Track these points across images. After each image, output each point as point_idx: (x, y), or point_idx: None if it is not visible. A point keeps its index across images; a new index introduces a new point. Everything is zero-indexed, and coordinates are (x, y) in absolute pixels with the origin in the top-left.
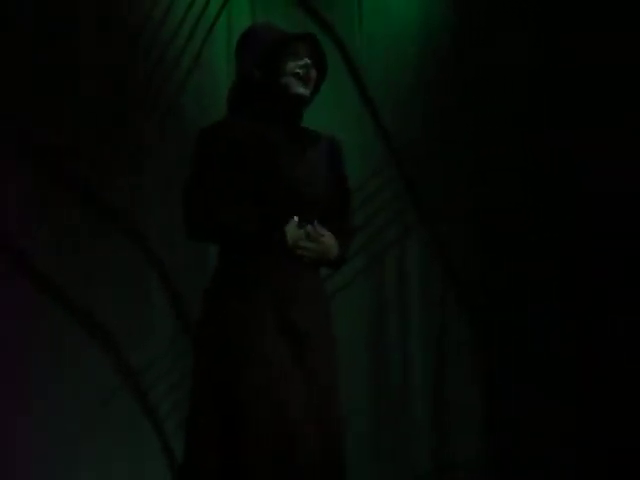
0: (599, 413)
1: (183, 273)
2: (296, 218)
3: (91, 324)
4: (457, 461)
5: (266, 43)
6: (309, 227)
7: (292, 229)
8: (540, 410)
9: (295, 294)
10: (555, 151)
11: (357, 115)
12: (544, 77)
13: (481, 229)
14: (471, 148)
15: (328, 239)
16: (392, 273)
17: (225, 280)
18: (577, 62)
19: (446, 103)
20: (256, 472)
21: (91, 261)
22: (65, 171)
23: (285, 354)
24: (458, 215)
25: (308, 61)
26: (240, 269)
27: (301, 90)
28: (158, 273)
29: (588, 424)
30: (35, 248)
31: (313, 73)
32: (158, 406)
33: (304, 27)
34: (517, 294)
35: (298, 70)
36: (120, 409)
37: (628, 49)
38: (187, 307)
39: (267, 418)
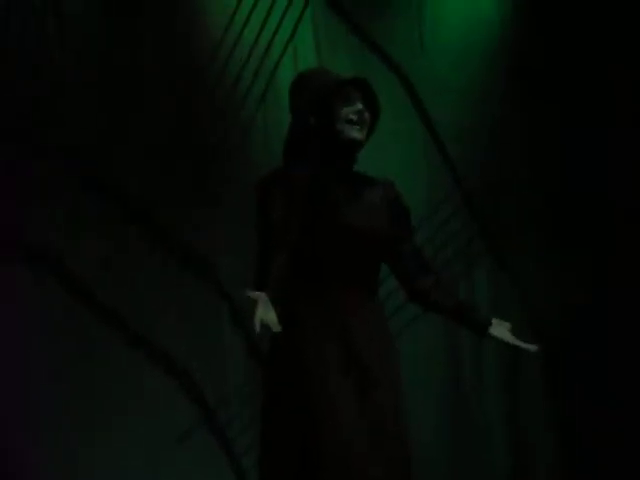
0: None
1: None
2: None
3: (165, 360)
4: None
5: (319, 89)
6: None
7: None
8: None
9: (359, 329)
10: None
11: (423, 148)
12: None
13: (550, 254)
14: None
15: None
16: None
17: (290, 317)
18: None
19: (510, 130)
20: None
21: (163, 297)
22: (137, 207)
23: (350, 392)
24: (528, 241)
25: (360, 106)
26: (304, 306)
27: (356, 135)
28: (229, 309)
29: None
30: (104, 282)
31: (367, 116)
32: (235, 441)
33: (368, 63)
34: (583, 323)
35: (352, 116)
36: (197, 445)
37: None
38: (259, 342)
39: (333, 459)
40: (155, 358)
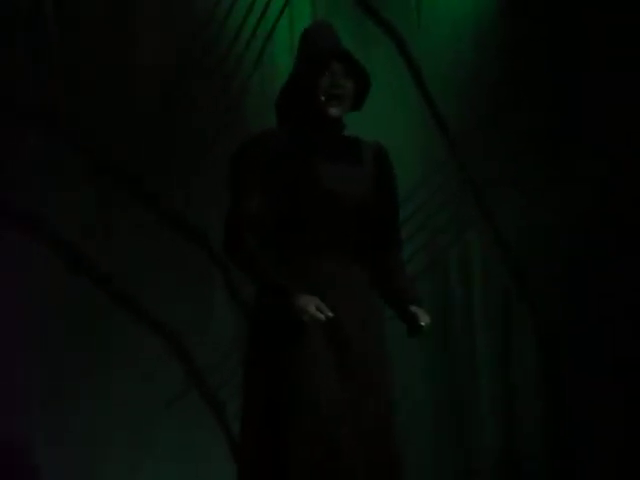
0: None
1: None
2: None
3: (155, 324)
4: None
5: (306, 58)
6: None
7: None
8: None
9: (341, 298)
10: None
11: (417, 112)
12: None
13: (544, 221)
14: (526, 140)
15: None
16: (455, 271)
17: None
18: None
19: (504, 96)
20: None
21: (156, 263)
22: (129, 174)
23: (329, 365)
24: (519, 208)
25: (340, 82)
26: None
27: (332, 111)
28: (222, 276)
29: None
30: (98, 248)
31: (347, 89)
32: (225, 405)
33: (364, 27)
34: (578, 290)
35: (330, 89)
36: (188, 408)
37: None
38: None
39: (307, 436)
40: (147, 323)
